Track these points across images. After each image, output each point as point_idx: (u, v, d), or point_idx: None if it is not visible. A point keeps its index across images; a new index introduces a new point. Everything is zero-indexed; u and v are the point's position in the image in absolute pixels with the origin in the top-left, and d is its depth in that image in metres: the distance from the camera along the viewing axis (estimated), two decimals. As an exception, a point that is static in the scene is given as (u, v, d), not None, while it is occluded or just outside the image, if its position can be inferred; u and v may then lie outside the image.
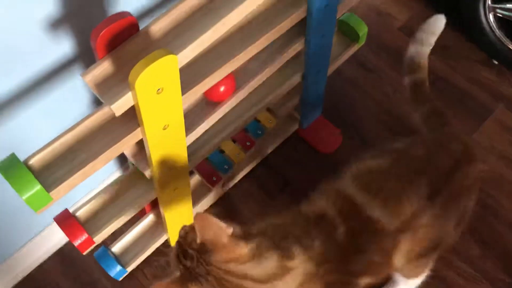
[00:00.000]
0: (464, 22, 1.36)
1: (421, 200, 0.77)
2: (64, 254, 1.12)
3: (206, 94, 0.84)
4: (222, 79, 0.78)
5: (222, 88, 0.83)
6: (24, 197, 0.64)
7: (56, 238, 1.11)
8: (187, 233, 0.69)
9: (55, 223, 1.06)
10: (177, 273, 0.68)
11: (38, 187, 0.64)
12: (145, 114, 0.66)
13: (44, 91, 0.83)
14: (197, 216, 0.67)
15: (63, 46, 0.79)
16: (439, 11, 1.42)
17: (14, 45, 0.72)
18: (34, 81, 0.80)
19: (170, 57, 0.60)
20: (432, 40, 0.96)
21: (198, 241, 0.67)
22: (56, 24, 0.74)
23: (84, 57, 0.83)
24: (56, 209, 0.87)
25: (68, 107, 0.89)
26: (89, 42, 0.80)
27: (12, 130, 0.83)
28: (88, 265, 1.11)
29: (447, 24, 1.40)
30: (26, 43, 0.73)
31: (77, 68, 0.85)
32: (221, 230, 0.67)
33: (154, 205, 1.06)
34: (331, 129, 1.25)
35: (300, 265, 0.71)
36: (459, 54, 1.37)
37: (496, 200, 1.16)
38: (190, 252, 0.67)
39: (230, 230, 0.68)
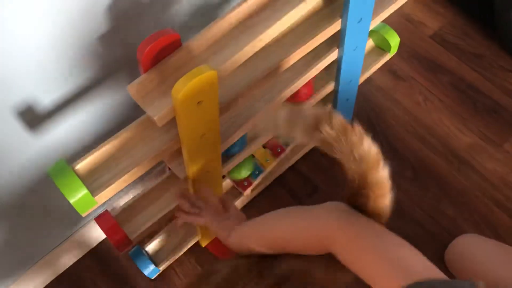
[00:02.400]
0: (498, 30, 1.35)
1: None
2: (100, 252, 1.17)
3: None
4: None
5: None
6: (72, 201, 0.68)
7: (92, 236, 1.16)
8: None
9: (92, 222, 1.12)
10: None
11: (84, 191, 0.68)
12: (185, 125, 0.70)
13: (86, 100, 0.87)
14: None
15: (107, 58, 0.83)
16: (471, 18, 1.42)
17: (63, 57, 0.77)
18: (78, 91, 0.84)
19: (210, 73, 0.64)
20: None
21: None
22: (102, 39, 0.79)
23: (124, 69, 0.88)
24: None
25: (108, 115, 0.94)
26: (130, 55, 0.85)
27: (57, 136, 0.87)
28: (123, 263, 1.16)
29: (480, 32, 1.40)
30: (74, 55, 0.78)
31: (117, 79, 0.89)
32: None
33: (187, 207, 1.10)
34: (361, 136, 1.26)
35: None
36: (492, 64, 1.36)
37: (526, 211, 1.16)
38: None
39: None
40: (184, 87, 0.62)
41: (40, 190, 0.94)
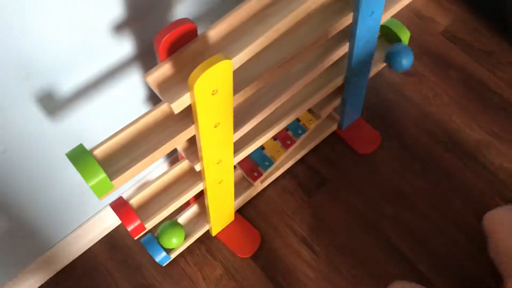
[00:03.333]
0: (508, 27, 1.36)
1: None
2: (112, 240, 1.20)
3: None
4: None
5: None
6: (90, 184, 0.70)
7: (105, 224, 1.18)
8: None
9: (104, 210, 1.15)
10: None
11: (103, 175, 0.71)
12: (200, 113, 0.72)
13: (103, 88, 0.90)
14: None
15: (124, 47, 0.86)
16: (482, 15, 1.43)
17: (81, 45, 0.79)
18: (96, 78, 0.87)
19: (225, 62, 0.66)
20: None
21: None
22: (120, 28, 0.81)
23: (140, 58, 0.90)
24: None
25: (124, 103, 0.96)
26: (146, 44, 0.87)
27: (75, 122, 0.90)
28: (134, 250, 1.19)
29: (490, 29, 1.41)
30: (92, 43, 0.80)
31: (133, 68, 0.91)
32: None
33: (198, 196, 1.13)
34: (370, 130, 1.28)
35: None
36: (501, 60, 1.37)
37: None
38: None
39: None
40: (199, 76, 0.64)
41: (56, 176, 0.96)
